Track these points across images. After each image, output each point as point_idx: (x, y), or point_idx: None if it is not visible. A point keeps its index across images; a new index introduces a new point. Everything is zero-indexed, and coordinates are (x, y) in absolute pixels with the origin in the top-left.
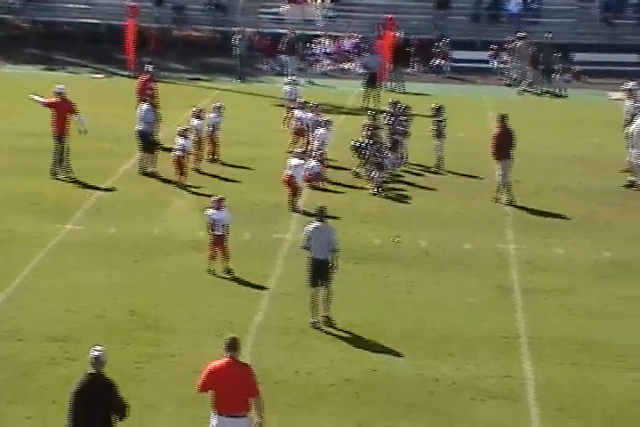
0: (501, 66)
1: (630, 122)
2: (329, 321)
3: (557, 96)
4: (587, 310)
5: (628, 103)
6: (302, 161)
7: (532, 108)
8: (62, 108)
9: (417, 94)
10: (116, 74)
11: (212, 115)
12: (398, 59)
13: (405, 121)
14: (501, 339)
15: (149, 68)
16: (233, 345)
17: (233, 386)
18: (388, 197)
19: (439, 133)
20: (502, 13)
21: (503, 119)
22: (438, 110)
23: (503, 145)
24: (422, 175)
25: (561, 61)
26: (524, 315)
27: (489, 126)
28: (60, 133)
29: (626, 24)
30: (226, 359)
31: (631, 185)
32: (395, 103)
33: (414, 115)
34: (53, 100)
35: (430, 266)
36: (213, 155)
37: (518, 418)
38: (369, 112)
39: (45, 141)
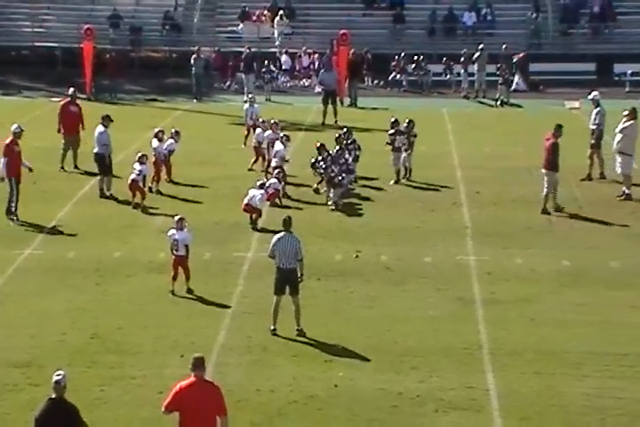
0: (457, 78)
1: (600, 132)
2: (302, 333)
3: (514, 106)
4: (548, 319)
5: (594, 112)
6: (261, 191)
7: (489, 120)
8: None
9: (375, 109)
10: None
11: (170, 140)
12: (353, 74)
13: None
14: (464, 350)
15: (70, 91)
16: (199, 364)
17: (200, 406)
18: (347, 213)
19: (394, 147)
20: (458, 26)
21: (560, 129)
22: (393, 124)
23: (556, 156)
24: (382, 189)
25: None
26: (485, 326)
27: (449, 139)
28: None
29: (580, 34)
30: (193, 379)
31: (629, 198)
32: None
33: (374, 129)
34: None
35: (391, 280)
36: (169, 176)
37: None
38: (343, 130)
39: None
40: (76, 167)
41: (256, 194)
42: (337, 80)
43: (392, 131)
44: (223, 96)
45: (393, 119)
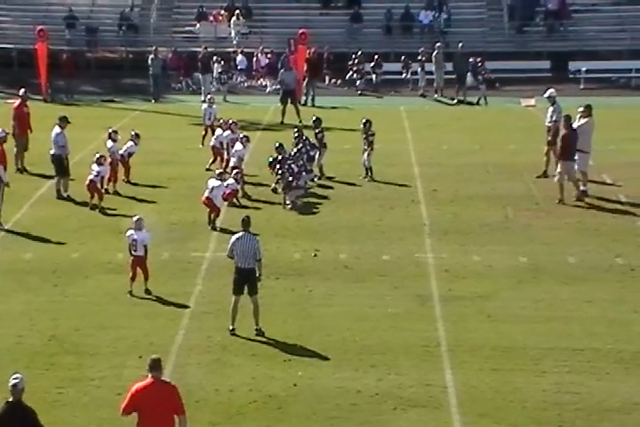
0: (414, 77)
1: (556, 130)
2: (261, 333)
3: (471, 104)
4: (505, 315)
5: (550, 110)
6: (220, 182)
7: (446, 117)
8: None
9: (334, 108)
10: (30, 98)
11: (129, 143)
12: (313, 73)
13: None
14: (422, 348)
15: (21, 92)
16: (156, 365)
17: (158, 406)
18: (306, 211)
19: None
20: (414, 25)
21: (569, 120)
22: (318, 124)
23: (570, 146)
24: (340, 188)
25: (474, 70)
26: (443, 323)
27: (406, 137)
28: None
29: (535, 31)
30: (150, 380)
31: (585, 194)
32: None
33: (333, 128)
34: None
35: (350, 278)
36: (127, 177)
37: (441, 425)
38: (295, 129)
39: None
40: (22, 169)
41: (215, 184)
42: (297, 79)
43: (318, 129)
44: (180, 96)
45: (314, 117)
